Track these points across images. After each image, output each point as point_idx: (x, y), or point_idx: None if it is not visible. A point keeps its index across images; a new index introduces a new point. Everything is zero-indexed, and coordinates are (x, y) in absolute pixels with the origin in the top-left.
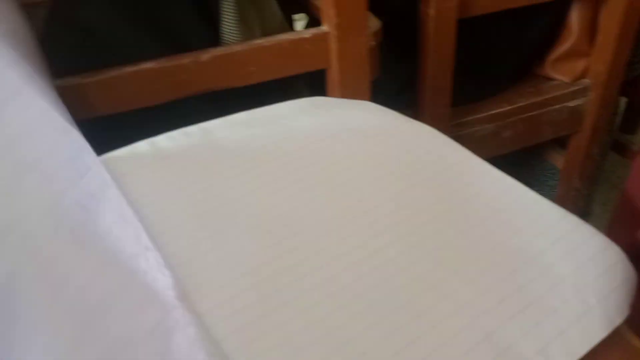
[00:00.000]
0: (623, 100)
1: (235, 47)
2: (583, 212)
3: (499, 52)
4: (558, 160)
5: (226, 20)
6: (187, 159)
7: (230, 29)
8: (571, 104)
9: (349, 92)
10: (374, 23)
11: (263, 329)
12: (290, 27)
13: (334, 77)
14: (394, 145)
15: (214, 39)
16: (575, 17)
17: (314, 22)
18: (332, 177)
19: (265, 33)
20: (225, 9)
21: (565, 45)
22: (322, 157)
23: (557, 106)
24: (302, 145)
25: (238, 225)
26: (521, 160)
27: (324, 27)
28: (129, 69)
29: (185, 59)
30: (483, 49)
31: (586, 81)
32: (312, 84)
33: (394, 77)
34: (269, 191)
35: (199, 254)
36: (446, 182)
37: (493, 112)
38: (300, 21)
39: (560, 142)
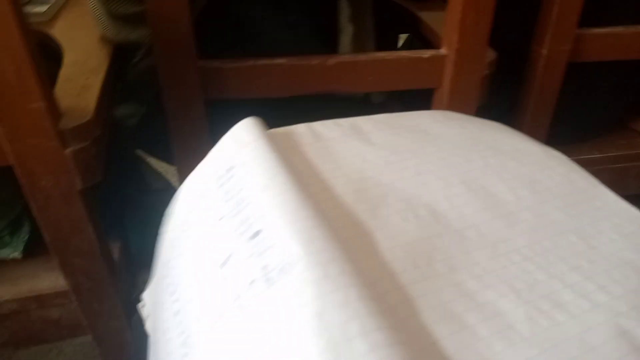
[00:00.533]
0: None
1: (359, 57)
2: None
3: (601, 99)
4: None
5: (344, 33)
6: (341, 144)
7: (345, 42)
8: None
9: None
10: (490, 54)
11: (419, 293)
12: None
13: (442, 98)
14: (528, 163)
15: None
16: None
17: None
18: (470, 181)
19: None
20: (343, 24)
21: None
22: (461, 164)
23: None
24: (441, 149)
25: (390, 205)
26: None
27: (443, 51)
28: (263, 62)
29: (314, 60)
30: (585, 93)
31: None
32: (404, 100)
33: (493, 105)
34: (415, 183)
35: (358, 221)
36: (577, 202)
37: (583, 157)
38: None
39: None
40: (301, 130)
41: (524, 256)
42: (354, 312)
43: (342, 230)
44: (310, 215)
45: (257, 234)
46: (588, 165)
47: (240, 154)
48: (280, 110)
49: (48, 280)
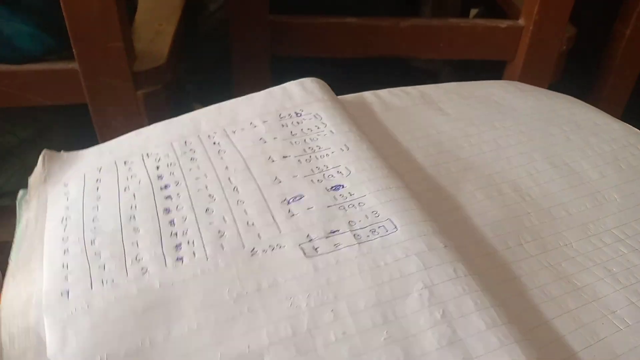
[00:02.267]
0: None
1: (433, 22)
2: None
3: None
4: None
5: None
6: (413, 113)
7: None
8: None
9: None
10: (570, 29)
11: (515, 274)
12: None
13: (514, 71)
14: (610, 140)
15: None
16: None
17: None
18: (553, 157)
19: None
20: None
21: None
22: (541, 138)
23: None
24: (519, 122)
25: (472, 181)
26: None
27: (520, 21)
28: (334, 20)
29: (386, 22)
30: None
31: None
32: (459, 72)
33: (566, 84)
34: (496, 158)
35: (445, 196)
36: None
37: None
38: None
39: None
40: (369, 98)
41: (615, 238)
42: (466, 287)
43: (431, 204)
44: (400, 185)
45: (337, 188)
46: None
47: (312, 105)
48: (338, 75)
49: None
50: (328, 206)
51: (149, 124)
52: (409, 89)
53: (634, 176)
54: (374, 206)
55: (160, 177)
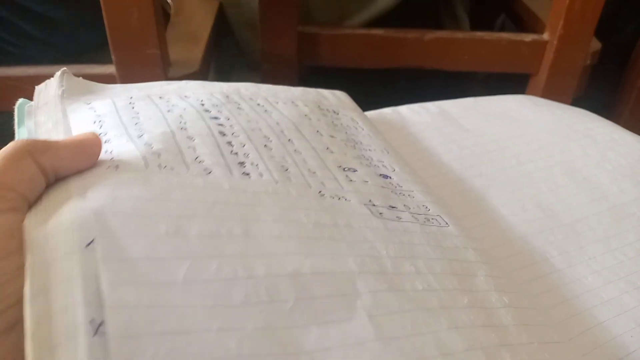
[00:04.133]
0: None
1: (458, 34)
2: None
3: None
4: None
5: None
6: (434, 129)
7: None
8: None
9: None
10: (595, 44)
11: (543, 289)
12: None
13: (537, 85)
14: (626, 154)
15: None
16: None
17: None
18: (572, 172)
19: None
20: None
21: None
22: (560, 153)
23: None
24: (538, 138)
25: (495, 197)
26: None
27: (545, 36)
28: (361, 31)
29: (411, 34)
30: None
31: None
32: (487, 85)
33: (591, 96)
34: (518, 174)
35: (476, 210)
36: None
37: None
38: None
39: None
40: (389, 114)
41: (637, 251)
42: (515, 284)
43: (466, 219)
44: (439, 195)
45: (385, 177)
46: None
47: (347, 111)
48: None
49: None
50: (382, 187)
51: None
52: (429, 105)
53: None
54: (423, 201)
55: (207, 110)
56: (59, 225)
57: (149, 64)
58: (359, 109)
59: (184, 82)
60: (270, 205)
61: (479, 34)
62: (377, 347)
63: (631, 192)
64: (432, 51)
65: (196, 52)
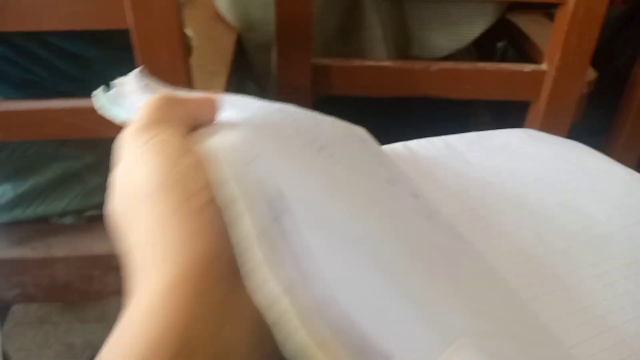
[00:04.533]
0: None
1: (462, 65)
2: None
3: None
4: None
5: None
6: (441, 164)
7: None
8: None
9: (548, 129)
10: (591, 73)
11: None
12: None
13: (537, 112)
14: (616, 186)
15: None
16: None
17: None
18: (566, 202)
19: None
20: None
21: None
22: (556, 185)
23: None
24: (536, 171)
25: (497, 225)
26: None
27: (543, 66)
28: (371, 63)
29: (417, 65)
30: None
31: None
32: (494, 113)
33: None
34: (516, 205)
35: (472, 232)
36: None
37: None
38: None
39: None
40: (399, 149)
41: (623, 275)
42: None
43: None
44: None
45: (417, 196)
46: None
47: (372, 143)
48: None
49: None
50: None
51: None
52: (435, 139)
53: (637, 220)
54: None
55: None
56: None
57: None
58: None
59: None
60: None
61: (482, 65)
62: None
63: (618, 222)
64: (438, 81)
65: (218, 85)
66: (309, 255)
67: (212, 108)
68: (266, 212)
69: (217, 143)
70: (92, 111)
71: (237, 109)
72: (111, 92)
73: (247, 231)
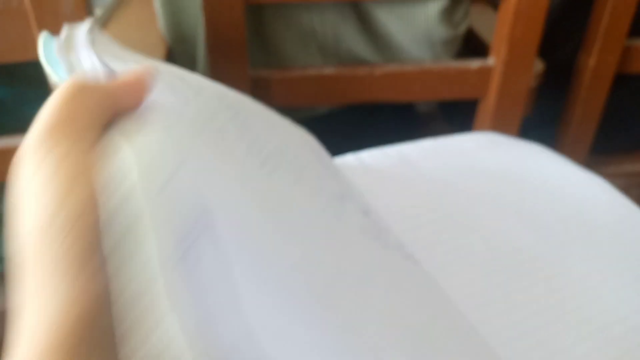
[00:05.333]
0: None
1: (407, 67)
2: None
3: None
4: None
5: None
6: (392, 176)
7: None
8: None
9: (499, 125)
10: (539, 65)
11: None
12: None
13: (487, 108)
14: (575, 192)
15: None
16: None
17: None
18: (522, 211)
19: None
20: None
21: None
22: (512, 193)
23: None
24: (492, 179)
25: (445, 242)
26: None
27: (490, 61)
28: (312, 71)
29: (361, 71)
30: (631, 102)
31: None
32: (445, 110)
33: (537, 116)
34: (469, 216)
35: (416, 249)
36: (620, 231)
37: (627, 168)
38: None
39: None
40: (351, 162)
41: (577, 290)
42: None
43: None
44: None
45: (367, 213)
46: (631, 177)
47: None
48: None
49: None
50: (365, 228)
51: None
52: (389, 150)
53: (594, 227)
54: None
55: None
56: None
57: None
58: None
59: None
60: None
61: (427, 65)
62: None
63: (575, 231)
64: (383, 85)
65: None
66: (227, 286)
67: (139, 91)
68: (174, 245)
69: (133, 152)
70: (5, 154)
71: (174, 92)
72: (59, 39)
73: (145, 266)
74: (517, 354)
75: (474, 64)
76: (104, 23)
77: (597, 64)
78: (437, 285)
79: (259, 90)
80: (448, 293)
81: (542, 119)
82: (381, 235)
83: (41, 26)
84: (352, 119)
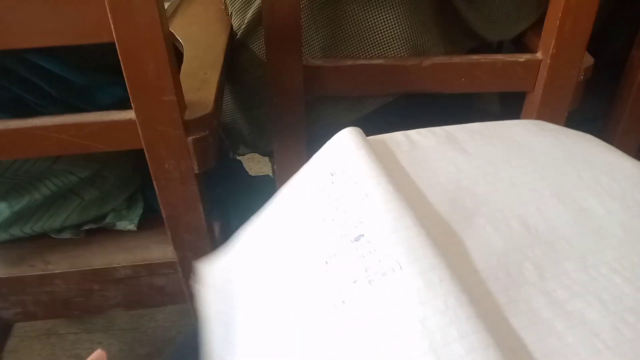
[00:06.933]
0: None
1: (455, 59)
2: None
3: None
4: None
5: None
6: (437, 152)
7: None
8: None
9: (545, 119)
10: (588, 59)
11: (511, 299)
12: None
13: (534, 101)
14: (621, 178)
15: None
16: None
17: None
18: (562, 194)
19: None
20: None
21: None
22: (554, 176)
23: None
24: (535, 161)
25: (483, 215)
26: None
27: (538, 55)
28: (362, 62)
29: (410, 62)
30: None
31: None
32: (504, 102)
33: (586, 111)
34: (509, 195)
35: (453, 230)
36: None
37: None
38: None
39: None
40: (399, 138)
41: (612, 269)
42: (453, 317)
43: (439, 238)
44: (409, 224)
45: (359, 237)
46: None
47: (341, 161)
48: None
49: (157, 251)
50: (352, 257)
51: (198, 166)
52: (437, 129)
53: (638, 213)
54: (386, 249)
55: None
56: None
57: (166, 109)
58: (355, 144)
59: None
60: None
61: (475, 57)
62: None
63: (618, 214)
64: (431, 76)
65: (209, 92)
66: None
67: None
68: None
69: None
70: (80, 127)
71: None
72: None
73: None
74: (538, 326)
75: (522, 57)
76: (169, 16)
77: None
78: None
79: (311, 79)
80: (479, 262)
81: (589, 115)
82: None
83: (114, 9)
84: (407, 115)
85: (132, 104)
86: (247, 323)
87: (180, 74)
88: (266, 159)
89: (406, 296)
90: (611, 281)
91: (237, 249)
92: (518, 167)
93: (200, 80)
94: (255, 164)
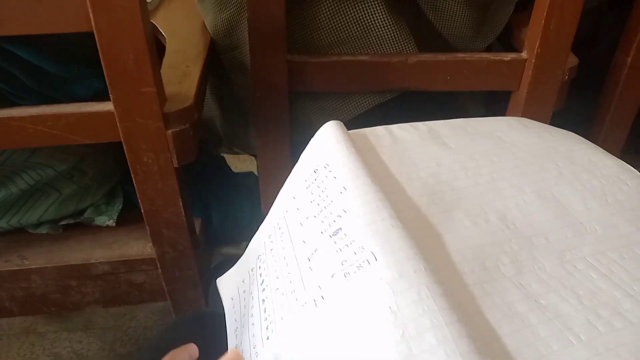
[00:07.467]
0: None
1: (440, 57)
2: None
3: None
4: None
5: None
6: (418, 147)
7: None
8: None
9: (530, 117)
10: (573, 59)
11: (486, 292)
12: None
13: (519, 100)
14: (601, 175)
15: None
16: None
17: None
18: (542, 190)
19: None
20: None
21: None
22: (535, 172)
23: None
24: (517, 157)
25: (463, 209)
26: None
27: (524, 54)
28: (347, 58)
29: (395, 59)
30: None
31: None
32: (486, 102)
33: (571, 111)
34: (489, 190)
35: (431, 223)
36: None
37: None
38: None
39: None
40: (380, 132)
41: (588, 264)
42: (426, 308)
43: (416, 231)
44: (386, 216)
45: (337, 231)
46: None
47: (322, 156)
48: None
49: (136, 247)
50: (331, 251)
51: (178, 159)
52: (419, 124)
53: (617, 210)
54: (362, 242)
55: None
56: None
57: (145, 101)
58: (335, 139)
59: None
60: None
61: (461, 55)
62: None
63: (597, 211)
64: (416, 73)
65: (190, 86)
66: None
67: None
68: None
69: None
70: (56, 118)
71: None
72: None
73: None
74: (510, 320)
75: (507, 56)
76: (154, 9)
77: (633, 62)
78: None
79: (295, 74)
80: (455, 255)
81: (573, 116)
82: None
83: None
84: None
85: (110, 95)
86: (246, 331)
87: (162, 67)
88: (252, 157)
89: (380, 287)
90: (587, 277)
91: (245, 259)
92: (499, 162)
93: (182, 73)
94: (240, 162)
